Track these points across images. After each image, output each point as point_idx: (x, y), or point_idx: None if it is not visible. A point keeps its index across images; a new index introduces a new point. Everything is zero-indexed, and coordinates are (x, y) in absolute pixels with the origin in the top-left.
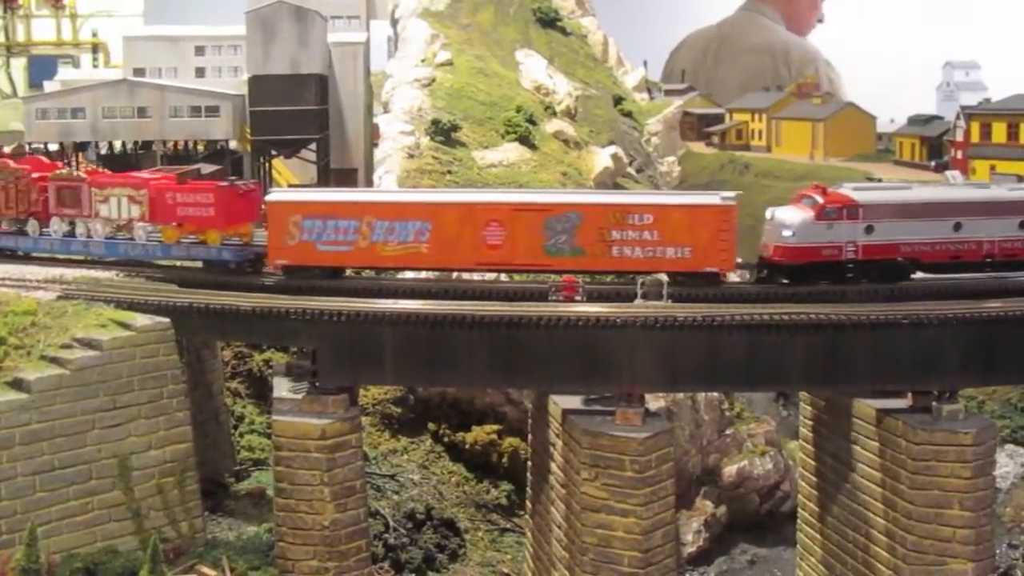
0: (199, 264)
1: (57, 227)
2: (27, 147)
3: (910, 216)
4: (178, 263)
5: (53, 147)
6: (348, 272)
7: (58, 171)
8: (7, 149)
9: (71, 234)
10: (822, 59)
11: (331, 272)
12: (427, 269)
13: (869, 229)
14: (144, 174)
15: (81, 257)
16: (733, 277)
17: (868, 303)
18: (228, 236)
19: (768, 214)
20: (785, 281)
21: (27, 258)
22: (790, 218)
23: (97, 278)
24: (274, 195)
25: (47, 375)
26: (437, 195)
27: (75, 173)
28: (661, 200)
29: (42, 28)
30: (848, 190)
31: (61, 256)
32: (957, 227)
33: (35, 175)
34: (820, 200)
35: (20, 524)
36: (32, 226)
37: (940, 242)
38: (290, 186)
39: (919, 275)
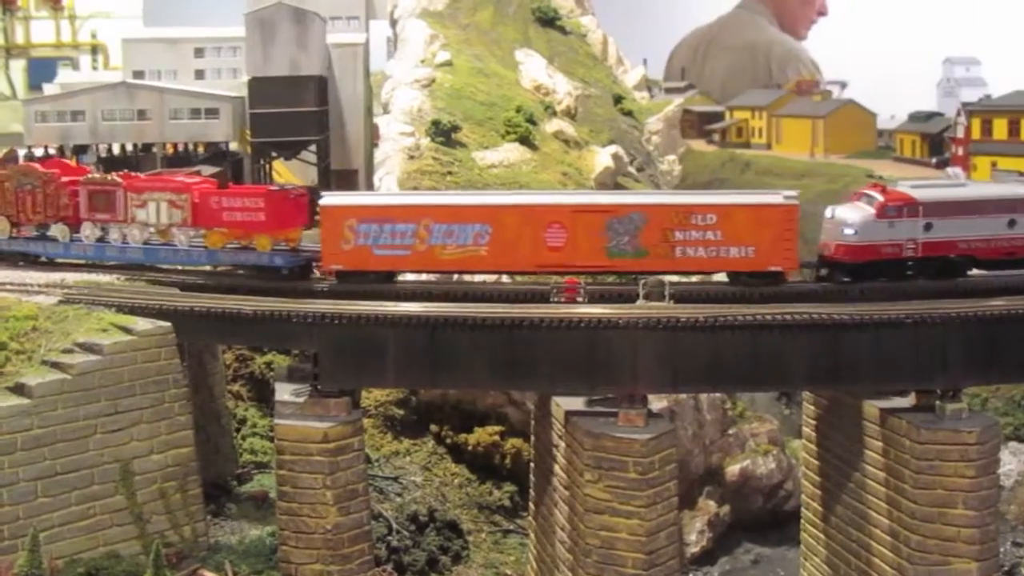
0: (233, 270)
1: (89, 232)
2: (25, 151)
3: (966, 213)
4: (196, 269)
5: (39, 151)
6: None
7: (90, 175)
8: None
9: (103, 240)
10: (807, 58)
11: (384, 276)
12: (486, 272)
13: (928, 227)
14: (185, 178)
15: (113, 263)
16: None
17: (871, 302)
18: (277, 241)
19: (828, 212)
20: (846, 279)
21: (51, 264)
22: (852, 217)
23: (98, 282)
24: (329, 199)
25: (48, 380)
26: (497, 197)
27: (109, 177)
28: (725, 200)
29: (41, 30)
30: (907, 188)
31: (78, 262)
32: (1011, 224)
33: (64, 179)
34: (881, 198)
35: (22, 530)
36: (61, 231)
37: (995, 238)
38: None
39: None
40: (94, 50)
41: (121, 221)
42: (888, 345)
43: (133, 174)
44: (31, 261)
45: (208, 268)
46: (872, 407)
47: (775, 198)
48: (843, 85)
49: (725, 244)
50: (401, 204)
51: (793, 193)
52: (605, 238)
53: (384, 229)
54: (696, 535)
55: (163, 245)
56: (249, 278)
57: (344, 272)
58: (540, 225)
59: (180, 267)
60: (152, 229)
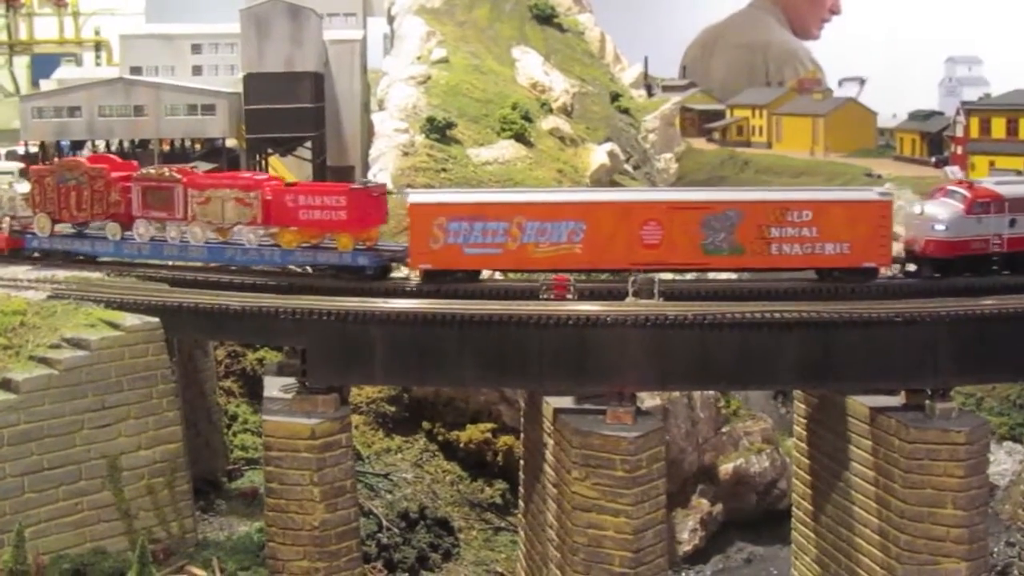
0: (302, 271)
1: (143, 231)
2: (24, 147)
3: None
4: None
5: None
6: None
7: (145, 171)
8: None
9: (159, 238)
10: (806, 57)
11: (470, 275)
12: (580, 270)
13: (1013, 222)
14: (256, 176)
15: (171, 262)
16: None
17: (860, 300)
18: (359, 240)
19: (916, 208)
20: (936, 275)
21: (91, 262)
22: (942, 213)
23: (88, 278)
24: (417, 196)
25: (36, 375)
26: (592, 194)
27: (167, 173)
28: (821, 196)
29: (45, 26)
30: (991, 184)
31: (125, 260)
32: None
33: (114, 174)
34: (969, 195)
35: (8, 525)
36: (112, 229)
37: None
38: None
39: None
40: (97, 47)
41: (180, 219)
42: (878, 344)
43: (191, 170)
44: (69, 260)
45: (274, 269)
46: (862, 406)
47: (870, 195)
48: (862, 82)
49: (820, 240)
50: (494, 201)
51: (887, 190)
52: (701, 235)
53: (475, 227)
54: (689, 533)
55: (230, 244)
56: (318, 278)
57: (432, 271)
58: (636, 222)
59: (252, 267)
60: (215, 228)
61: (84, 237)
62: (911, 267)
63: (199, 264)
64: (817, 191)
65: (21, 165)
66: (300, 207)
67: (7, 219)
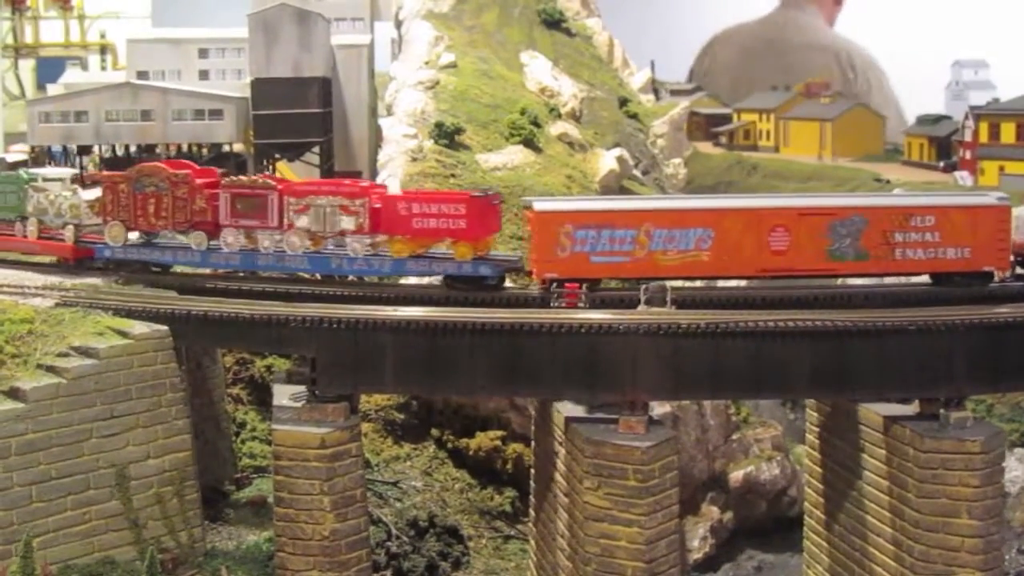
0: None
1: (232, 240)
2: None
3: None
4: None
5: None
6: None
7: (235, 177)
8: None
9: (250, 248)
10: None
11: (592, 283)
12: (707, 278)
13: None
14: (360, 183)
15: (265, 273)
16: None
17: (875, 309)
18: (478, 249)
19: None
20: None
21: (163, 272)
22: None
23: (96, 285)
24: (542, 203)
25: (43, 384)
26: (719, 201)
27: (259, 180)
28: (943, 201)
29: (50, 30)
30: None
31: (201, 269)
32: None
33: (200, 181)
34: None
35: (16, 535)
36: (196, 239)
37: None
38: None
39: None
40: (103, 50)
41: (274, 228)
42: (892, 352)
43: (282, 177)
44: (142, 271)
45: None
46: (876, 415)
47: (989, 199)
48: None
49: (942, 245)
50: (621, 209)
51: (1005, 195)
52: (827, 241)
53: (602, 235)
54: (699, 541)
55: (335, 253)
56: (425, 288)
57: (555, 280)
58: (764, 229)
59: (354, 278)
60: (315, 237)
61: (164, 247)
62: (1021, 270)
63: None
64: (940, 195)
65: (73, 171)
66: (414, 215)
67: (71, 227)
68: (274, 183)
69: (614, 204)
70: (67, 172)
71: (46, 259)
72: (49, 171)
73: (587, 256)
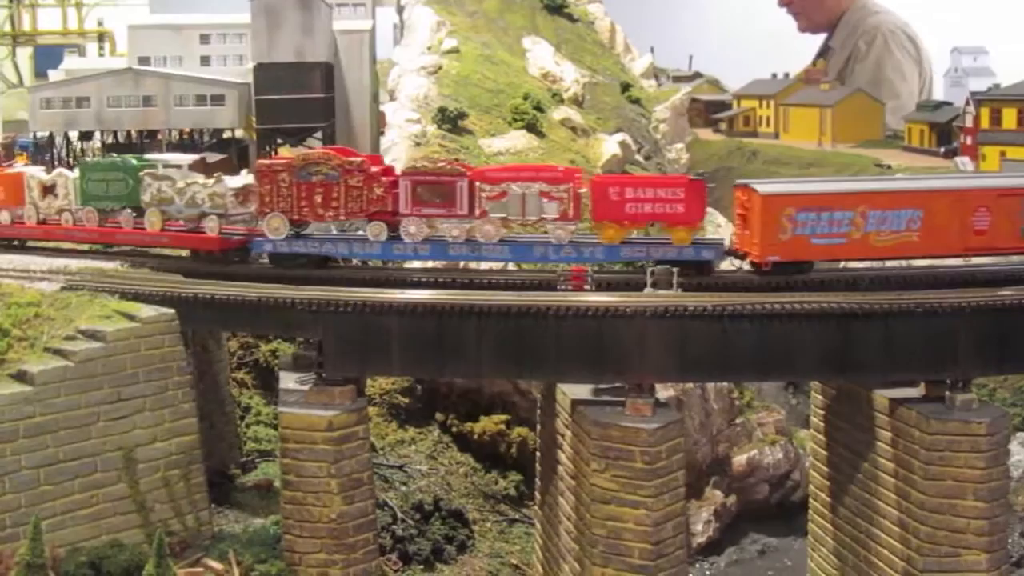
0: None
1: (415, 230)
2: (31, 137)
3: None
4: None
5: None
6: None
7: (418, 163)
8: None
9: (433, 237)
10: None
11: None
12: (916, 257)
13: None
14: (562, 168)
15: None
16: None
17: (880, 291)
18: (694, 233)
19: None
20: None
21: (327, 265)
22: None
23: (102, 269)
24: (765, 187)
25: (51, 367)
26: (927, 182)
27: (447, 166)
28: None
29: (48, 17)
30: None
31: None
32: None
33: (376, 169)
34: None
35: (24, 518)
36: (375, 230)
37: None
38: None
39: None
40: (100, 38)
41: (463, 216)
42: (898, 335)
43: (460, 163)
44: (331, 265)
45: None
46: (881, 397)
47: None
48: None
49: None
50: (840, 191)
51: None
52: (1021, 220)
53: (822, 217)
54: (703, 525)
55: (539, 241)
56: (629, 273)
57: (778, 263)
58: (969, 209)
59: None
60: (511, 224)
61: (338, 240)
62: None
63: None
64: None
65: (192, 157)
66: (627, 200)
67: (213, 218)
68: (463, 169)
69: (832, 187)
70: (185, 158)
71: (55, 245)
72: (170, 157)
73: (808, 238)
